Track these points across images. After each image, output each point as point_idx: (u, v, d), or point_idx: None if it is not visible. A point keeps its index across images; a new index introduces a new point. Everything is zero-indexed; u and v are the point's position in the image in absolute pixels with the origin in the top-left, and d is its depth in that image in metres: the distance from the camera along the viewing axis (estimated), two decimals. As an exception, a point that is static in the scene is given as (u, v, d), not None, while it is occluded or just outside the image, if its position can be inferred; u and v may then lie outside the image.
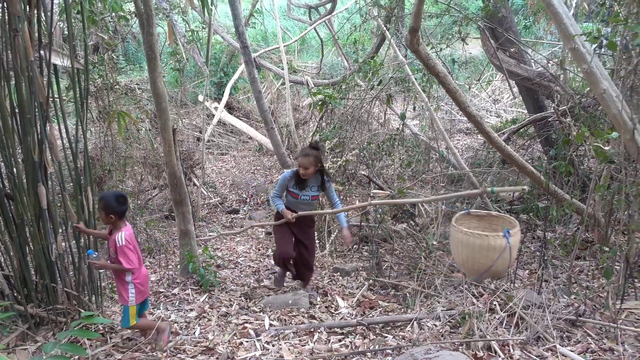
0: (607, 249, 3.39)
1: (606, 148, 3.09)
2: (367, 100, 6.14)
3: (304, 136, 8.59)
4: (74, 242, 3.34)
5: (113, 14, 4.89)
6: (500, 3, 5.53)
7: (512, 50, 5.91)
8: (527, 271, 4.21)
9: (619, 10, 4.05)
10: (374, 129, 7.61)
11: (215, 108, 10.21)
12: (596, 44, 2.98)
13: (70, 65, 3.10)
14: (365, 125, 6.93)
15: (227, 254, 5.41)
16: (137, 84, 8.80)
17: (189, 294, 4.11)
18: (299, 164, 3.91)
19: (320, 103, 5.72)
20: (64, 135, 3.21)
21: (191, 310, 3.79)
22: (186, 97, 10.69)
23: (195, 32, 7.41)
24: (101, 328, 3.31)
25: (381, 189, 6.05)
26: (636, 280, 3.54)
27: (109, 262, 3.05)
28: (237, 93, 11.97)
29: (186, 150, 7.62)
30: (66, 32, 3.19)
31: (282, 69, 8.63)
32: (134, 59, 13.67)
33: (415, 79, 5.75)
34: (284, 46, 8.75)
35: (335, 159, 5.82)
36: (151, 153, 6.91)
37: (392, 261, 4.56)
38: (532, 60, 6.33)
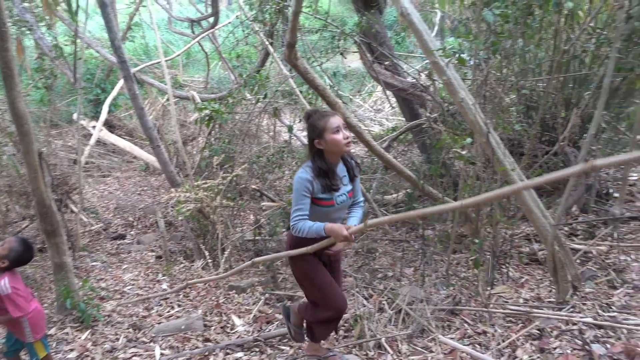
0: (476, 241, 3.75)
1: (463, 152, 3.43)
2: (255, 113, 6.15)
3: (193, 152, 8.34)
4: None
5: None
6: (372, 19, 5.90)
7: (387, 63, 6.32)
8: (412, 268, 4.50)
9: (471, 28, 4.54)
10: (265, 142, 7.63)
11: (94, 127, 9.48)
12: (451, 58, 3.31)
13: None
14: (255, 138, 6.91)
15: (111, 284, 5.02)
16: (-5, 104, 7.87)
17: (67, 332, 3.74)
18: (333, 130, 2.48)
19: (207, 118, 5.59)
20: None
21: (71, 350, 3.46)
22: (58, 116, 9.78)
23: (61, 47, 6.82)
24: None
25: (273, 201, 6.08)
26: (502, 267, 3.96)
27: None
28: (118, 110, 11.25)
29: (60, 174, 6.95)
30: None
31: (165, 84, 8.30)
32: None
33: (301, 91, 5.88)
34: (167, 60, 8.42)
35: (225, 174, 5.71)
36: (18, 180, 6.21)
37: (287, 272, 4.59)
38: (406, 72, 6.82)
